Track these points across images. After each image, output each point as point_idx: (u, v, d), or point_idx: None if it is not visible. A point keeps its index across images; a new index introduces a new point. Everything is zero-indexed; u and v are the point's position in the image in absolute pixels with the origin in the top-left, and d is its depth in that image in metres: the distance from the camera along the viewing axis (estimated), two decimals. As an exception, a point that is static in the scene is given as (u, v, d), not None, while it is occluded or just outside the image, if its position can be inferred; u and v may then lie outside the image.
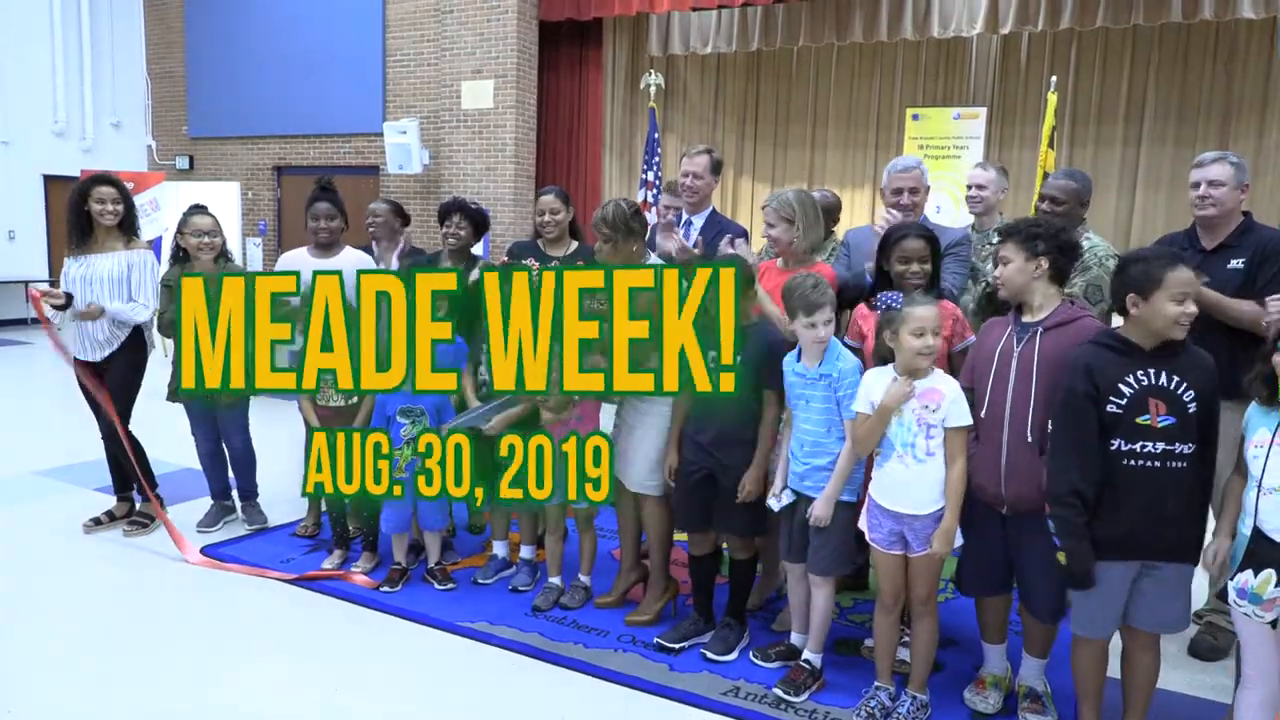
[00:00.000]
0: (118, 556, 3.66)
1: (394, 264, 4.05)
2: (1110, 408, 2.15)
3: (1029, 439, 2.34)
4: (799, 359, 2.65)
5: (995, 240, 2.64)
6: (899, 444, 2.43)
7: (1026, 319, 2.42)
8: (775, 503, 2.69)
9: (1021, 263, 2.38)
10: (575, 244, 3.72)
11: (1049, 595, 2.41)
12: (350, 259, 3.88)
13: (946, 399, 2.38)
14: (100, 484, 3.90)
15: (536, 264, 3.50)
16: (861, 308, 2.87)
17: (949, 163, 7.76)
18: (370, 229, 4.20)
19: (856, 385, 2.53)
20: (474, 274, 3.67)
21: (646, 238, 3.13)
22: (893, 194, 3.20)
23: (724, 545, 3.03)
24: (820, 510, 2.59)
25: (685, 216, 3.64)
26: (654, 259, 3.00)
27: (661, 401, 2.96)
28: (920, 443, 2.40)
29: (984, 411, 2.41)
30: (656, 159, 8.22)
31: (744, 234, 3.46)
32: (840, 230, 4.53)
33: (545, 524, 3.33)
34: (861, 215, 8.48)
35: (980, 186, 3.87)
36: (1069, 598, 2.37)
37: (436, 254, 3.97)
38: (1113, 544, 2.16)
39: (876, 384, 2.48)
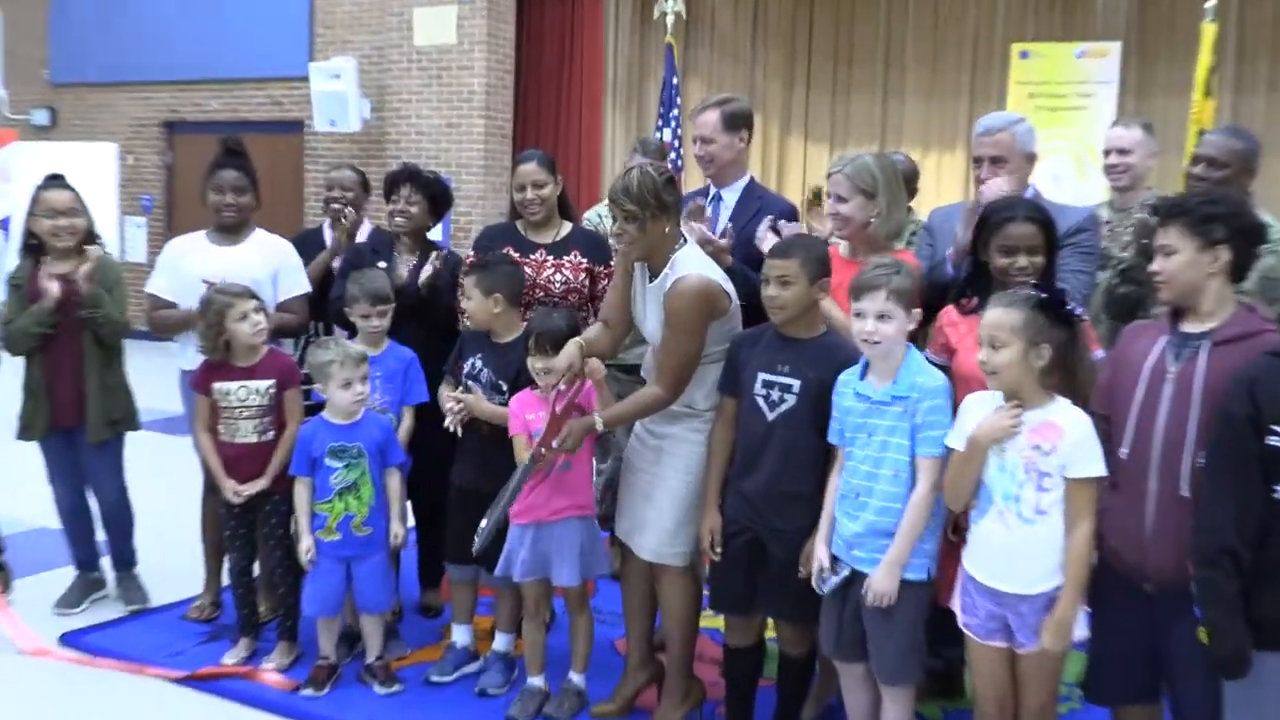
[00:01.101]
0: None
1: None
2: (1272, 440, 2.12)
3: (1184, 491, 2.32)
4: (863, 375, 2.65)
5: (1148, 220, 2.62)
6: (999, 496, 2.42)
7: (1189, 327, 2.39)
8: (824, 585, 2.67)
9: (1193, 254, 2.34)
10: (567, 226, 3.75)
11: (1211, 704, 2.33)
12: (263, 248, 3.90)
13: (1067, 439, 2.36)
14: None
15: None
16: (949, 312, 2.87)
17: (1070, 115, 7.75)
18: (333, 207, 4.22)
19: (941, 411, 2.53)
20: (426, 269, 3.72)
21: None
22: (974, 164, 3.24)
23: (770, 635, 3.02)
24: (882, 584, 2.55)
25: (713, 191, 3.65)
26: (691, 244, 3.02)
27: (690, 430, 2.98)
28: (1028, 496, 2.39)
29: (1124, 450, 2.40)
30: (675, 112, 8.23)
31: (791, 213, 3.48)
32: (921, 208, 4.50)
33: (525, 603, 3.33)
34: (951, 188, 8.44)
35: (1123, 151, 3.84)
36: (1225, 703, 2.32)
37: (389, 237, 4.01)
38: (1277, 628, 2.14)
39: (978, 412, 2.48)
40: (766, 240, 3.12)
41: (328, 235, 4.25)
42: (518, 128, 9.42)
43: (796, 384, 2.76)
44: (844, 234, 3.08)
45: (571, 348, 3.02)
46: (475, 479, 3.32)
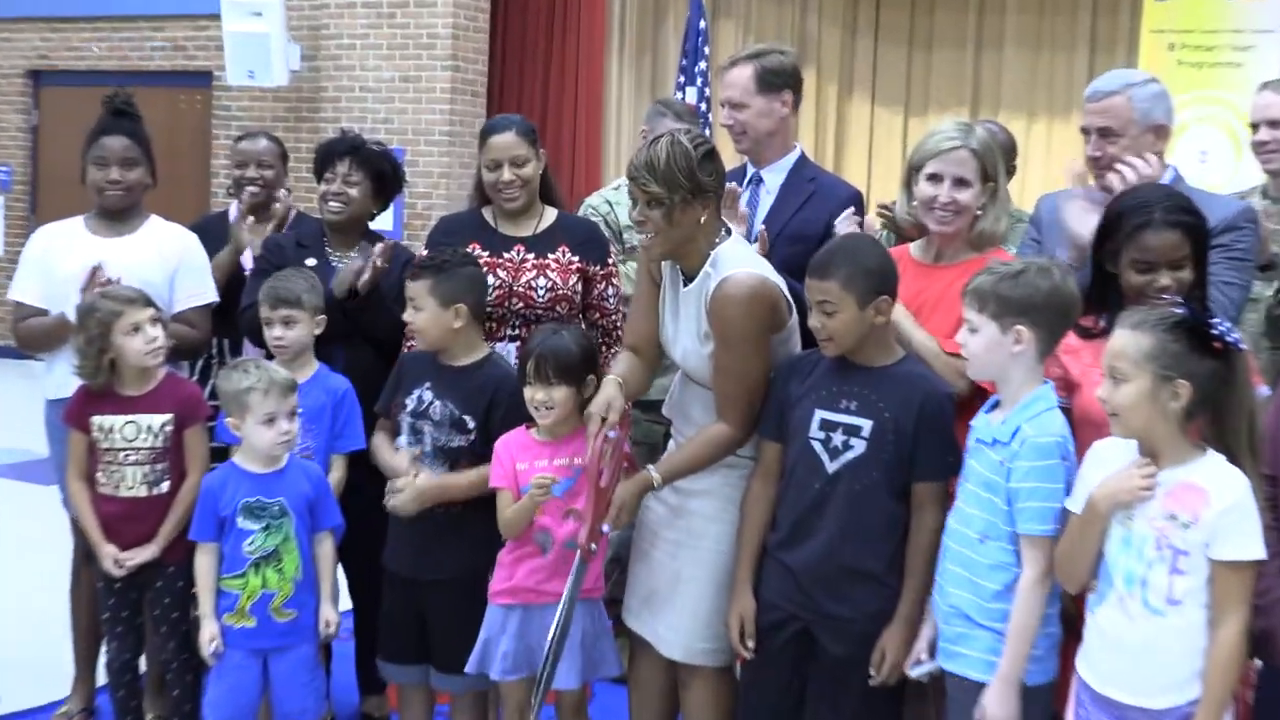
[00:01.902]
0: None
1: (253, 248, 4.07)
2: None
3: None
4: (993, 406, 2.70)
5: None
6: (1120, 578, 2.43)
7: None
8: (915, 668, 2.72)
9: None
10: (551, 213, 3.78)
11: None
12: (160, 241, 3.90)
13: (1212, 507, 2.35)
14: None
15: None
16: (1069, 338, 2.85)
17: (1222, 74, 7.74)
18: (251, 188, 4.26)
19: (1046, 477, 2.54)
20: (362, 267, 3.67)
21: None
22: (1083, 137, 3.28)
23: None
24: (996, 708, 2.55)
25: (751, 171, 3.69)
26: (737, 237, 3.06)
27: (730, 485, 3.03)
28: (1157, 579, 2.38)
29: None
30: (703, 66, 8.25)
31: (854, 201, 3.51)
32: (1025, 193, 4.51)
33: (505, 712, 3.30)
34: (1059, 170, 8.47)
35: (1275, 123, 3.86)
36: None
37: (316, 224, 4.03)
38: None
39: (1108, 464, 2.49)
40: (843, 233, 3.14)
41: (233, 214, 4.27)
42: (494, 85, 9.44)
43: (867, 425, 2.78)
44: (951, 229, 3.08)
45: (611, 388, 3.05)
46: (414, 566, 3.36)
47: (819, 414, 2.83)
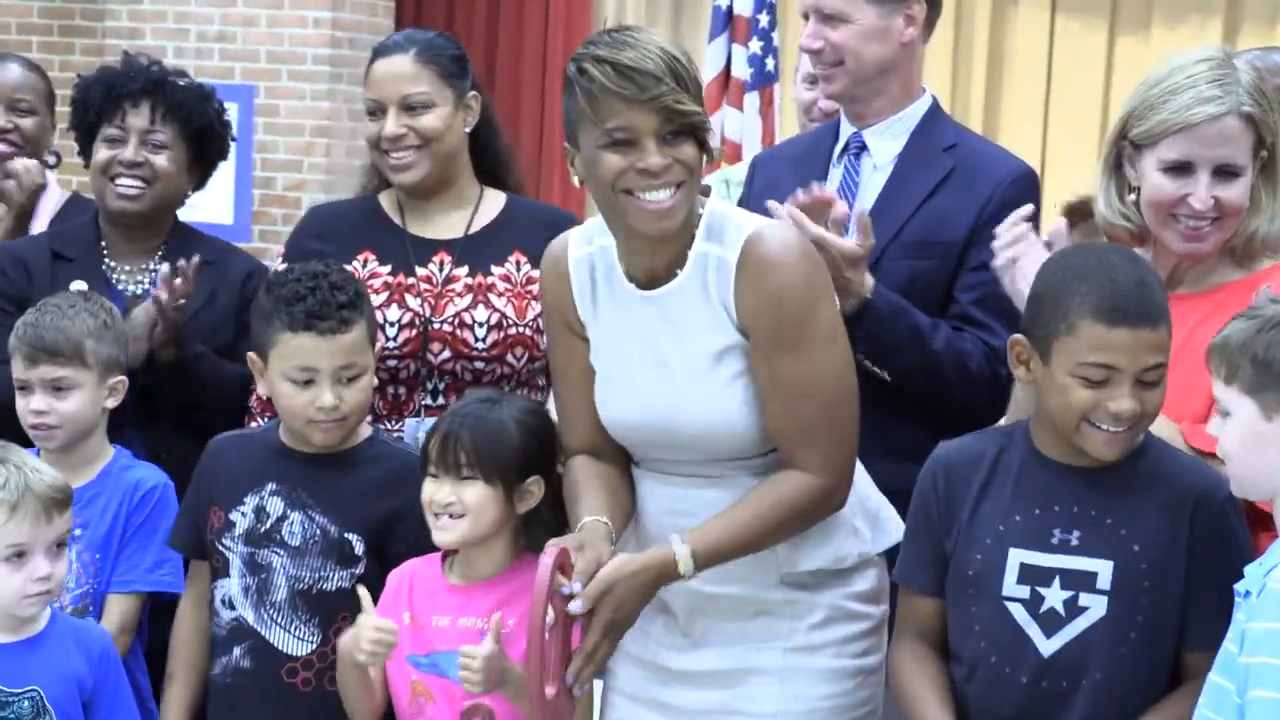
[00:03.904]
0: None
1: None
2: None
3: None
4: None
5: None
6: None
7: None
8: None
9: None
10: (495, 199, 3.95)
11: None
12: None
13: None
14: None
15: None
16: None
17: None
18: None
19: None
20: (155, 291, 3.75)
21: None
22: None
23: None
24: None
25: (848, 132, 3.72)
26: (783, 226, 3.08)
27: (810, 625, 3.03)
28: None
29: None
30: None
31: (1023, 186, 3.53)
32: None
33: None
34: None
35: None
36: None
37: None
38: None
39: None
40: (1021, 270, 3.05)
41: None
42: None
43: (1105, 568, 2.75)
44: (1209, 248, 3.04)
45: (599, 542, 2.87)
46: None
47: (1017, 556, 2.80)
